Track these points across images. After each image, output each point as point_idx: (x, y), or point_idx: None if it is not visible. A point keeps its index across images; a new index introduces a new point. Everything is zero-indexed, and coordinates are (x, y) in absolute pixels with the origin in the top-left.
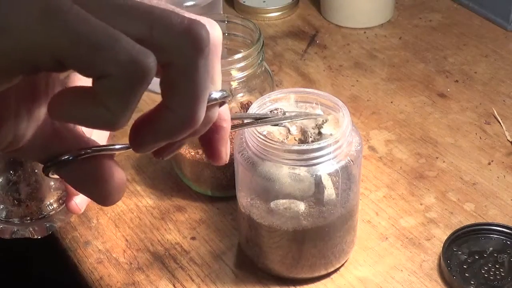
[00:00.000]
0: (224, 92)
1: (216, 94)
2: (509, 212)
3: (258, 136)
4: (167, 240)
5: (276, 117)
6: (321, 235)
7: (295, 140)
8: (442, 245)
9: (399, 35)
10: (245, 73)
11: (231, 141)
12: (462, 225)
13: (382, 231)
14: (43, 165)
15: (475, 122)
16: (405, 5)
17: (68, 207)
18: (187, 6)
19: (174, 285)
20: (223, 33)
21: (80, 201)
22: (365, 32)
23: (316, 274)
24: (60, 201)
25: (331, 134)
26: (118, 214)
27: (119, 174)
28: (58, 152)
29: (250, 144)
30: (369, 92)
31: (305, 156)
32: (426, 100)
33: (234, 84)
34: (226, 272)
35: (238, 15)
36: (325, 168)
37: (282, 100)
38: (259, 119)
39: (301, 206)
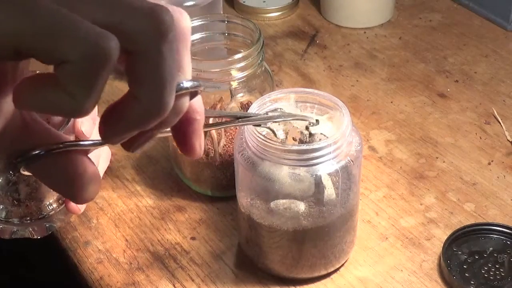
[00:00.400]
0: (195, 82)
1: (186, 84)
2: (509, 212)
3: (258, 136)
4: (167, 240)
5: (258, 116)
6: (321, 235)
7: (294, 140)
8: (442, 245)
9: (399, 35)
10: (245, 73)
11: (231, 141)
12: (462, 225)
13: (382, 231)
14: (13, 161)
15: (475, 122)
16: (405, 5)
17: (67, 207)
18: (187, 6)
19: (174, 285)
20: (223, 33)
21: None
22: (365, 32)
23: (316, 274)
24: (60, 201)
25: (321, 133)
26: (118, 214)
27: (93, 170)
28: (28, 147)
29: (250, 144)
30: (369, 92)
31: (305, 156)
32: (426, 100)
33: (234, 84)
34: (226, 272)
35: (238, 15)
36: (325, 168)
37: (282, 100)
38: (239, 118)
39: (301, 206)
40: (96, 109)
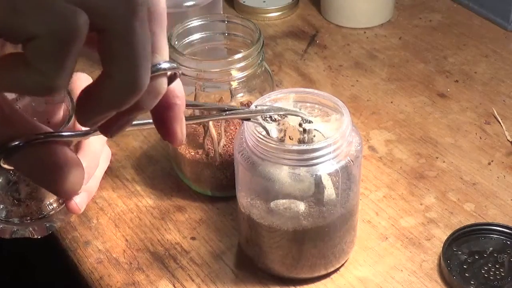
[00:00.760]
0: (173, 64)
1: (163, 65)
2: (509, 212)
3: (258, 136)
4: (167, 240)
5: (245, 109)
6: (321, 235)
7: (290, 139)
8: (442, 245)
9: (399, 35)
10: (245, 73)
11: (231, 141)
12: (462, 225)
13: (382, 231)
14: None
15: (475, 122)
16: (405, 5)
17: (68, 207)
18: (187, 6)
19: (174, 285)
20: (223, 33)
21: (80, 200)
22: (365, 32)
23: (316, 274)
24: (60, 200)
25: (315, 129)
26: (118, 214)
27: (74, 161)
28: (7, 139)
29: (250, 144)
30: (369, 92)
31: (305, 156)
32: (426, 100)
33: (234, 84)
34: (226, 272)
35: (238, 15)
36: (325, 168)
37: (282, 100)
38: (227, 111)
39: (301, 206)
40: None
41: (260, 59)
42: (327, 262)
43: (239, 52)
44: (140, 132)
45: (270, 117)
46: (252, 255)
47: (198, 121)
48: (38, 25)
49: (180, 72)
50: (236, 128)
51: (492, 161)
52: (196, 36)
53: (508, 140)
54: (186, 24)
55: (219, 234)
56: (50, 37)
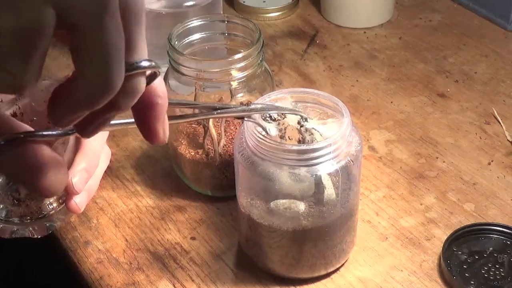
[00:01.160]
0: (152, 63)
1: (141, 63)
2: (509, 212)
3: (258, 136)
4: (167, 240)
5: (238, 107)
6: (321, 235)
7: (290, 139)
8: (442, 245)
9: (399, 35)
10: (245, 73)
11: (231, 141)
12: (462, 225)
13: (382, 231)
14: None
15: (475, 122)
16: (405, 5)
17: (68, 207)
18: (187, 6)
19: (174, 285)
20: (223, 33)
21: (80, 200)
22: (365, 32)
23: (316, 274)
24: (60, 200)
25: (313, 128)
26: (118, 214)
27: (55, 161)
28: None
29: (250, 144)
30: (369, 92)
31: (305, 156)
32: (426, 100)
33: (234, 84)
34: (226, 272)
35: (238, 15)
36: (325, 168)
37: (282, 100)
38: (218, 109)
39: (301, 206)
40: None
41: (260, 59)
42: (327, 262)
43: (239, 52)
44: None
45: (270, 116)
46: (252, 255)
47: (183, 120)
48: (2, 22)
49: (159, 71)
50: (236, 128)
51: (492, 161)
52: (196, 36)
53: (508, 140)
54: (186, 24)
55: (219, 234)
56: (13, 34)
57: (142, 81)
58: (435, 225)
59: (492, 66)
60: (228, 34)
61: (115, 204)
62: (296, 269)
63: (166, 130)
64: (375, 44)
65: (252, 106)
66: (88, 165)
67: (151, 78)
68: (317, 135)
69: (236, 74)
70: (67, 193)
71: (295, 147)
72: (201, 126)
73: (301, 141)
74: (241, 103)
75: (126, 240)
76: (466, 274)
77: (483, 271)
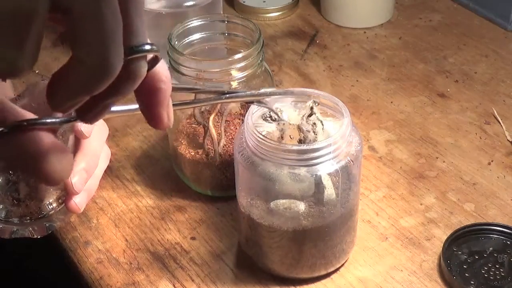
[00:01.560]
0: (153, 46)
1: (142, 47)
2: (509, 212)
3: (258, 136)
4: (167, 240)
5: (247, 92)
6: (321, 235)
7: (291, 138)
8: (442, 245)
9: (399, 35)
10: (245, 73)
11: (231, 141)
12: (462, 225)
13: (382, 231)
14: None
15: (475, 122)
16: (405, 5)
17: (67, 207)
18: (187, 6)
19: (174, 285)
20: (223, 33)
21: (79, 200)
22: (365, 32)
23: (316, 274)
24: (60, 200)
25: (318, 119)
26: (118, 214)
27: (59, 148)
28: None
29: (250, 144)
30: (369, 92)
31: (305, 156)
32: (426, 100)
33: (234, 84)
34: (226, 272)
35: (238, 15)
36: (325, 168)
37: (282, 100)
38: (226, 94)
39: (301, 206)
40: None
41: (260, 59)
42: (327, 262)
43: (239, 52)
44: (140, 132)
45: (270, 116)
46: (252, 255)
47: (189, 106)
48: None
49: (159, 54)
50: (236, 128)
51: (492, 161)
52: (196, 36)
53: (508, 140)
54: (186, 24)
55: (219, 234)
56: (6, 17)
57: (143, 65)
58: (435, 225)
59: (492, 66)
60: (228, 34)
61: (115, 204)
62: (296, 269)
63: (170, 115)
64: (375, 44)
65: (262, 91)
66: (88, 165)
67: (153, 63)
68: (319, 127)
69: (236, 74)
70: (66, 193)
71: (295, 147)
72: (201, 126)
73: (302, 141)
74: (241, 104)
75: (126, 240)
76: (466, 274)
77: (483, 271)
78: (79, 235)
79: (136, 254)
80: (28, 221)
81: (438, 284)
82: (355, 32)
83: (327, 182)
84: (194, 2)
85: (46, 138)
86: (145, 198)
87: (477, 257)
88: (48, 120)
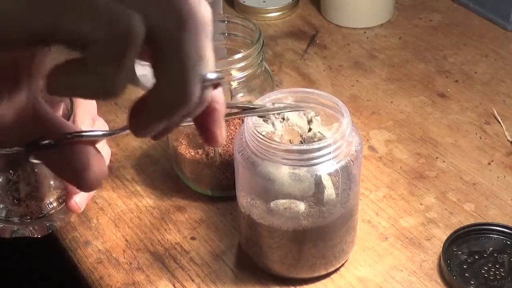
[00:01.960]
0: (219, 74)
1: (210, 75)
2: (509, 212)
3: (258, 136)
4: (167, 240)
5: (264, 107)
6: (321, 235)
7: (291, 142)
8: (442, 245)
9: (399, 35)
10: (245, 73)
11: (231, 141)
12: (462, 225)
13: (382, 231)
14: (24, 150)
15: (475, 122)
16: (405, 5)
17: (68, 206)
18: None
19: (174, 285)
20: (223, 33)
21: (80, 200)
22: (365, 32)
23: (316, 274)
24: (60, 200)
25: (319, 132)
26: (118, 214)
27: (99, 161)
28: (39, 137)
29: (250, 144)
30: (369, 92)
31: (305, 156)
32: (426, 100)
33: (234, 84)
34: (226, 272)
35: (238, 15)
36: (325, 168)
37: (282, 100)
38: (246, 109)
39: (301, 206)
40: (95, 108)
41: (260, 59)
42: (327, 262)
43: (239, 52)
44: None
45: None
46: (252, 255)
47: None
48: (97, 29)
49: (223, 80)
50: (236, 128)
51: (492, 161)
52: None
53: (508, 140)
54: None
55: (219, 234)
56: (108, 41)
57: (210, 92)
58: (435, 225)
59: (492, 66)
60: (228, 34)
61: (115, 204)
62: (296, 269)
63: (223, 132)
64: (375, 44)
65: (276, 106)
66: None
67: (214, 86)
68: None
69: (236, 74)
70: (67, 193)
71: (295, 147)
72: None
73: (302, 141)
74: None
75: (126, 240)
76: (466, 274)
77: (483, 271)
78: (79, 235)
79: (136, 254)
80: (29, 220)
81: (438, 284)
82: (355, 32)
83: (327, 182)
84: None
85: (87, 151)
86: (145, 198)
87: (477, 257)
88: (93, 133)
